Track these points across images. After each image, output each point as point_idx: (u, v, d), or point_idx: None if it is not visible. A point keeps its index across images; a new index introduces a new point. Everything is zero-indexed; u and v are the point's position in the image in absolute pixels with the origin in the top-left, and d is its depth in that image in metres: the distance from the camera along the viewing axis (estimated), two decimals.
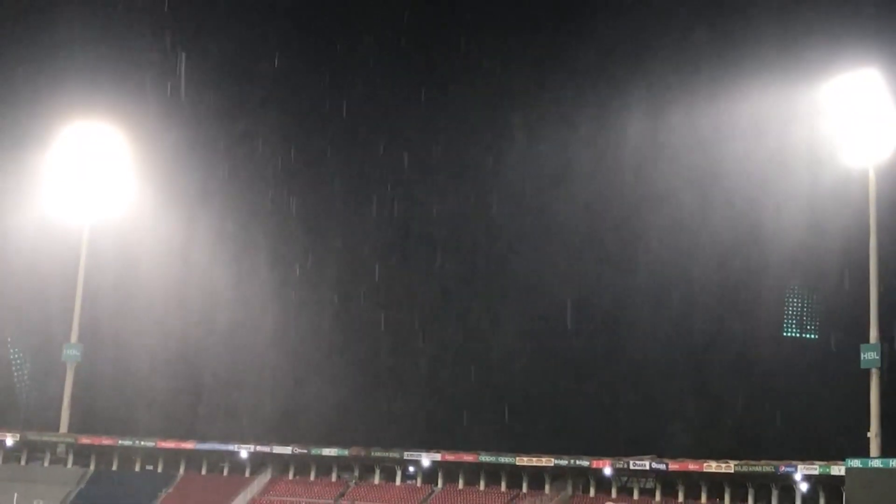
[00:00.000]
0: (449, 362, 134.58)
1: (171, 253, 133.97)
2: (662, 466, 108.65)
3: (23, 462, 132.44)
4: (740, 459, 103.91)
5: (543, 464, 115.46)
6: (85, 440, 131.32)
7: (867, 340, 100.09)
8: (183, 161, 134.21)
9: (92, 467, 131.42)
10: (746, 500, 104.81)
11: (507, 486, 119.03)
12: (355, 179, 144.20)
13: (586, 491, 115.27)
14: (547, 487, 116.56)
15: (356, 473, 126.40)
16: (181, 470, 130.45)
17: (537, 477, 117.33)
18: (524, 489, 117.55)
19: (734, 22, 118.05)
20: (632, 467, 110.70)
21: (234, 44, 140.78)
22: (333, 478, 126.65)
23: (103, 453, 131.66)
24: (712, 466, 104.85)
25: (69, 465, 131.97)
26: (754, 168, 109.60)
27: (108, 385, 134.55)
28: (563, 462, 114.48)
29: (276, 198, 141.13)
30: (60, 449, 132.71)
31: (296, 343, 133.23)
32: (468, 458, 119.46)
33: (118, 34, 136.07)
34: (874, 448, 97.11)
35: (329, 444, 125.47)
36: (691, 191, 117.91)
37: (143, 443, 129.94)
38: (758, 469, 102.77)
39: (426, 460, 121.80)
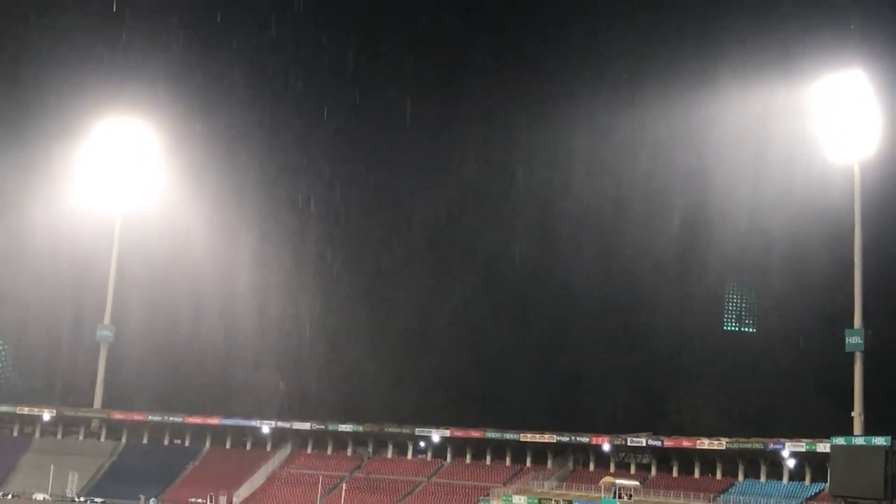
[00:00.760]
0: (458, 346, 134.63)
1: (197, 241, 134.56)
2: (658, 443, 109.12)
3: (59, 436, 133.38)
4: (731, 437, 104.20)
5: (546, 440, 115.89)
6: (117, 415, 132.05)
7: (852, 326, 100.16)
8: (207, 155, 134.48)
9: (124, 441, 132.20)
10: (737, 476, 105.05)
11: (512, 461, 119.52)
12: (371, 175, 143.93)
13: (586, 466, 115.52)
14: (549, 462, 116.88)
15: (370, 448, 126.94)
16: (207, 444, 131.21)
17: (540, 452, 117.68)
18: (528, 464, 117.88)
19: (725, 26, 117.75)
20: (629, 444, 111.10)
21: (262, 42, 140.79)
22: (349, 452, 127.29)
23: (134, 428, 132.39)
24: (705, 443, 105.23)
25: (102, 438, 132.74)
26: (747, 163, 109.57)
27: (139, 364, 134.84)
28: (565, 439, 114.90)
29: (294, 189, 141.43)
30: (94, 424, 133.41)
31: (314, 326, 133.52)
32: (475, 434, 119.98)
33: (149, 37, 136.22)
34: (857, 427, 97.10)
35: (345, 421, 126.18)
36: (692, 182, 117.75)
37: (171, 418, 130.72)
38: (748, 446, 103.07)
39: (436, 436, 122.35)
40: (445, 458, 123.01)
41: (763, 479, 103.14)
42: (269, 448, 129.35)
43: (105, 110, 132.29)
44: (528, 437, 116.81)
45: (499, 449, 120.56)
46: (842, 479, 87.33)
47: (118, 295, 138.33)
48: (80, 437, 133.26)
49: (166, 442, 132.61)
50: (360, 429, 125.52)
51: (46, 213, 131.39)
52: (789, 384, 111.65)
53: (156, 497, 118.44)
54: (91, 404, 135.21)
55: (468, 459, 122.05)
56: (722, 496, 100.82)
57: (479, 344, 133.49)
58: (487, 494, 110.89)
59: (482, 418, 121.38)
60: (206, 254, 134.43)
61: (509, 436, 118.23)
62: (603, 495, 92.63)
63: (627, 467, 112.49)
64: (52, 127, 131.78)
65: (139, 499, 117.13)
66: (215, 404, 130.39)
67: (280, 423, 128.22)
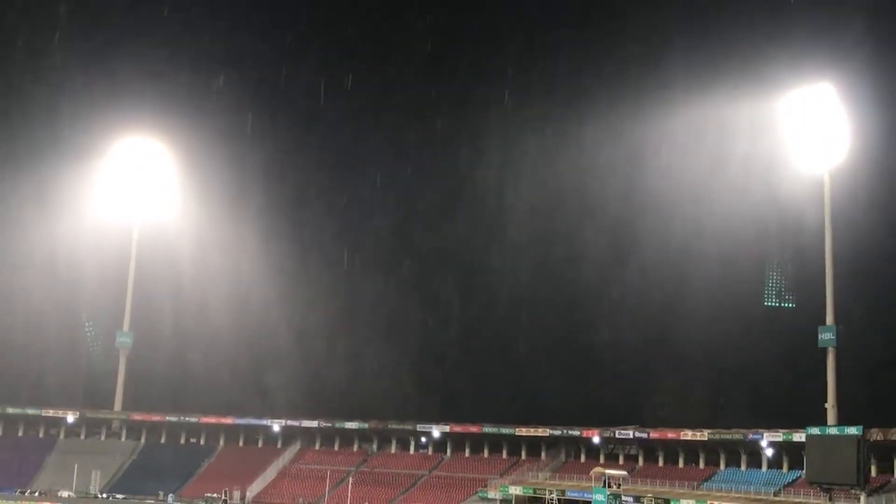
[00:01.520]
0: (457, 346, 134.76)
1: (209, 251, 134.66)
2: (644, 435, 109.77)
3: (82, 437, 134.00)
4: (713, 428, 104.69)
5: (540, 434, 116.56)
6: (137, 417, 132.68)
7: (824, 322, 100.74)
8: (219, 171, 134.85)
9: (143, 440, 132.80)
10: (718, 464, 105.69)
11: (508, 454, 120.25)
12: (367, 178, 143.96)
13: (577, 457, 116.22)
14: (543, 454, 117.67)
15: (375, 444, 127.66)
16: (221, 442, 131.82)
17: (535, 445, 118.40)
18: (523, 456, 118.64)
19: (698, 42, 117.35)
20: (617, 436, 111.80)
21: (272, 63, 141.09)
22: (355, 448, 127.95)
23: (153, 428, 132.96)
24: (688, 434, 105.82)
25: (123, 438, 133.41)
26: (722, 172, 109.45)
27: (157, 368, 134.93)
28: (558, 432, 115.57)
29: (303, 198, 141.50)
30: (115, 425, 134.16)
31: (320, 329, 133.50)
32: (473, 429, 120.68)
33: (164, 60, 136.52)
34: (831, 417, 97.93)
35: (351, 419, 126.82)
36: (674, 191, 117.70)
37: (187, 418, 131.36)
38: (728, 437, 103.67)
39: (436, 431, 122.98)
40: (445, 453, 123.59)
41: (743, 467, 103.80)
42: (279, 445, 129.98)
43: (123, 129, 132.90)
44: (522, 431, 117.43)
45: (495, 443, 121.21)
46: (817, 466, 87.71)
47: (136, 303, 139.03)
48: (102, 438, 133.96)
49: (183, 441, 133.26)
50: (365, 426, 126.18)
51: (65, 226, 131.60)
52: (767, 379, 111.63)
53: (174, 493, 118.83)
54: (112, 406, 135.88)
55: (467, 453, 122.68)
56: (705, 484, 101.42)
57: (476, 346, 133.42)
58: (485, 486, 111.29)
59: (480, 414, 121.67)
60: (218, 263, 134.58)
61: (505, 430, 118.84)
62: (594, 484, 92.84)
63: (616, 458, 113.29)
64: (73, 145, 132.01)
65: (158, 494, 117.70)
66: (229, 405, 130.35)
67: (290, 422, 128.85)
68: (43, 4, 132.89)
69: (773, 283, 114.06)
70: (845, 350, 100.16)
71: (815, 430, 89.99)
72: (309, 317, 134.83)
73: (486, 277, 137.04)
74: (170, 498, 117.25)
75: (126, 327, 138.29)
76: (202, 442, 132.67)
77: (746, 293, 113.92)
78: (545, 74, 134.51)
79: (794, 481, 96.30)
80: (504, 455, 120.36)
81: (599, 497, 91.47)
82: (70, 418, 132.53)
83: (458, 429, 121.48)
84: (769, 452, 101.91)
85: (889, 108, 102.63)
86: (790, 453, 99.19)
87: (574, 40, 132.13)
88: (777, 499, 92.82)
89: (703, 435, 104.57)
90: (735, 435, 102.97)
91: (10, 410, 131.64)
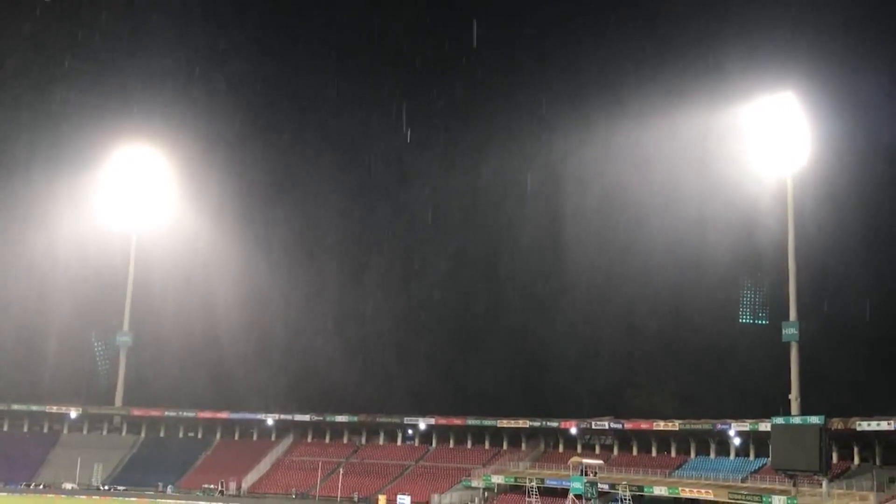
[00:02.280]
0: (442, 342, 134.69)
1: (204, 254, 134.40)
2: (619, 426, 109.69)
3: (84, 432, 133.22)
4: (684, 419, 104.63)
5: (520, 425, 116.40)
6: (136, 412, 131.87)
7: (788, 318, 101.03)
8: (214, 178, 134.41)
9: (143, 435, 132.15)
10: (689, 453, 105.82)
11: (490, 445, 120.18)
12: (373, 178, 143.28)
13: (556, 447, 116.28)
14: (523, 445, 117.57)
15: (364, 436, 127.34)
16: (217, 436, 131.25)
17: (515, 436, 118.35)
18: (504, 447, 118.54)
19: (663, 53, 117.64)
20: (594, 427, 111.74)
21: (270, 71, 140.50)
22: (345, 440, 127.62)
23: (152, 423, 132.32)
24: (661, 425, 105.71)
25: (123, 433, 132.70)
26: (690, 176, 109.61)
27: (155, 365, 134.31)
28: (537, 424, 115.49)
29: (294, 200, 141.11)
30: (116, 420, 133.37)
31: (311, 327, 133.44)
32: (457, 421, 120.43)
33: (162, 69, 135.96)
34: (794, 408, 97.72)
35: (341, 412, 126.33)
36: (646, 193, 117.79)
37: (185, 413, 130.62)
38: (698, 427, 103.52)
39: (422, 424, 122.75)
40: (431, 444, 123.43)
41: (713, 455, 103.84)
42: (273, 438, 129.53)
43: (122, 138, 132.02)
44: (504, 423, 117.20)
45: (478, 434, 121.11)
46: (782, 454, 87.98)
47: (135, 304, 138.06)
48: (104, 432, 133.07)
49: (181, 435, 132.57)
50: (355, 419, 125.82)
51: (67, 231, 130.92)
52: (734, 371, 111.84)
53: (172, 484, 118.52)
54: (113, 402, 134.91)
55: (451, 444, 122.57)
56: (676, 472, 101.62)
57: (460, 343, 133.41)
58: (469, 475, 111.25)
59: (463, 407, 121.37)
60: (213, 266, 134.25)
61: (487, 422, 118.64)
62: (571, 473, 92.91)
63: (593, 448, 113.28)
64: (74, 153, 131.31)
65: (158, 486, 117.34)
66: (225, 400, 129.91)
67: (283, 416, 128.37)
68: (42, 15, 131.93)
69: (739, 281, 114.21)
70: (808, 345, 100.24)
71: (779, 420, 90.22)
72: (300, 318, 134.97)
73: (469, 275, 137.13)
74: (169, 489, 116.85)
75: (126, 327, 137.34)
76: (199, 436, 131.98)
77: (715, 292, 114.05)
78: (508, 88, 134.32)
79: (760, 468, 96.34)
80: (486, 446, 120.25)
81: (577, 485, 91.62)
82: (73, 414, 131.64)
83: (442, 421, 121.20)
84: (737, 441, 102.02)
85: (847, 115, 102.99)
86: (756, 442, 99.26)
87: (541, 52, 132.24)
88: (744, 485, 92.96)
89: (674, 425, 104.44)
90: (705, 425, 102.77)
91: (16, 407, 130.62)
